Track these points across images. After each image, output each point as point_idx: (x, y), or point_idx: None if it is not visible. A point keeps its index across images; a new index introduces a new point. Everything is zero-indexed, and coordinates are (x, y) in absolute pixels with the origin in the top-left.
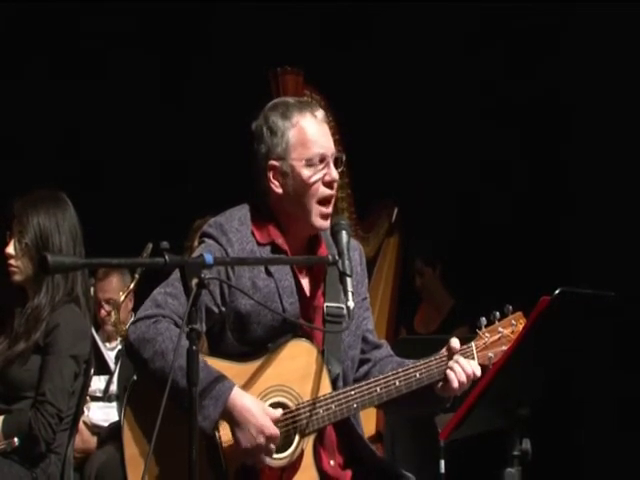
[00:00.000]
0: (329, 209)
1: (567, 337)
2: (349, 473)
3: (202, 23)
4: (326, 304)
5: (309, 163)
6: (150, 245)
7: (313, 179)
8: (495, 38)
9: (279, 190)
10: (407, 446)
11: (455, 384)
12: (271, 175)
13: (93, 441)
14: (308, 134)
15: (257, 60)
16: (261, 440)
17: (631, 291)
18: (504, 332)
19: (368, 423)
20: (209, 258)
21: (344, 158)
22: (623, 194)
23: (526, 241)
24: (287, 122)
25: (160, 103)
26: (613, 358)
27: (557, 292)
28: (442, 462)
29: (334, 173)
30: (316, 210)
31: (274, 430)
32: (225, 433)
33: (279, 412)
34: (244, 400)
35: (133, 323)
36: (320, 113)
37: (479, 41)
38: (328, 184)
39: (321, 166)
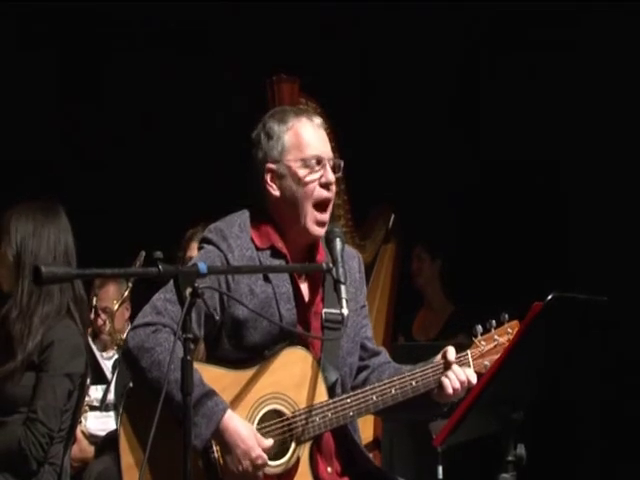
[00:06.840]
0: (325, 216)
1: (560, 342)
2: None
3: (198, 28)
4: (324, 310)
5: (305, 164)
6: (143, 253)
7: (309, 179)
8: (495, 44)
9: (276, 193)
10: (405, 452)
11: (449, 390)
12: (268, 178)
13: (91, 450)
14: (303, 137)
15: (252, 68)
16: (247, 466)
17: (626, 296)
18: (500, 340)
19: (366, 430)
20: (203, 267)
21: (342, 165)
22: (620, 196)
23: (526, 247)
24: (283, 126)
25: (154, 111)
26: (606, 363)
27: (549, 297)
28: (440, 468)
29: (330, 175)
30: (312, 215)
31: (262, 457)
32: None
33: (270, 442)
34: (236, 423)
35: (132, 329)
36: (317, 119)
37: (476, 47)
38: (324, 186)
39: (317, 167)
